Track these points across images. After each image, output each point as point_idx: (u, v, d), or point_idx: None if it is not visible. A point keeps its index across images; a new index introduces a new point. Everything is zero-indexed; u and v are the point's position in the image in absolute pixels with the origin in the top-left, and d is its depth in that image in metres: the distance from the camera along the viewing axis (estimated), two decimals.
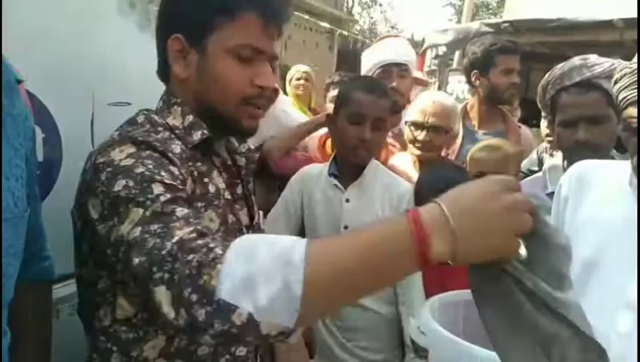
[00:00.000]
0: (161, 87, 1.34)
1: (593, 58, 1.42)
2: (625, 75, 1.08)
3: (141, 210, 0.71)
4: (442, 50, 4.39)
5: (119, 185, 0.74)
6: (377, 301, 1.55)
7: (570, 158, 1.49)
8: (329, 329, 1.58)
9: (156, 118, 0.94)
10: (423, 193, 1.61)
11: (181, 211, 0.72)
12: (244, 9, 0.88)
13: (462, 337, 0.84)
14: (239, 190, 1.02)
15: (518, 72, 2.22)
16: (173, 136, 0.91)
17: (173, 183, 0.77)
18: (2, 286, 0.71)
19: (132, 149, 0.79)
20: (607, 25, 3.56)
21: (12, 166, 0.79)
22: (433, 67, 5.18)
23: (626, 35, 3.44)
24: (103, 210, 0.75)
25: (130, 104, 1.26)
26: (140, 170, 0.76)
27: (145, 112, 0.95)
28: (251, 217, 1.04)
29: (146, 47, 1.29)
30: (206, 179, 0.92)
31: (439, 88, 4.86)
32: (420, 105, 1.88)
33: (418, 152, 1.88)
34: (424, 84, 2.60)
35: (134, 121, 0.92)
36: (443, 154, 2.02)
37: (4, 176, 0.76)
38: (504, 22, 4.11)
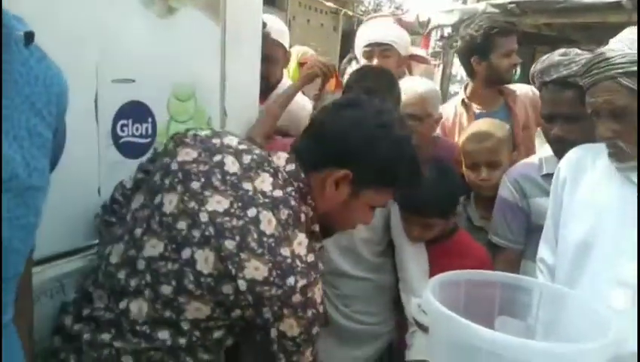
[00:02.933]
0: (165, 65, 1.34)
1: (572, 54, 1.42)
2: (584, 65, 1.15)
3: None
4: (447, 31, 4.34)
5: (315, 330, 0.99)
6: (369, 270, 1.64)
7: (554, 150, 1.51)
8: (328, 298, 1.66)
9: (308, 219, 1.08)
10: (403, 193, 1.56)
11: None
12: (394, 183, 1.12)
13: (462, 316, 0.85)
14: None
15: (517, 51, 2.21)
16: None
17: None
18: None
19: (321, 291, 1.00)
20: (616, 6, 3.50)
21: (33, 134, 0.74)
22: (438, 49, 5.12)
23: (635, 16, 3.39)
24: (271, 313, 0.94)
25: (134, 81, 1.26)
26: (322, 322, 1.02)
27: (303, 208, 1.07)
28: None
29: (151, 23, 1.29)
30: None
31: (443, 70, 4.81)
32: None
33: None
34: (423, 61, 2.57)
35: (299, 218, 1.03)
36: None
37: (18, 145, 0.71)
38: (510, 2, 4.04)
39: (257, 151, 1.10)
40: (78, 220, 1.18)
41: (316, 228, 1.10)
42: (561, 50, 1.46)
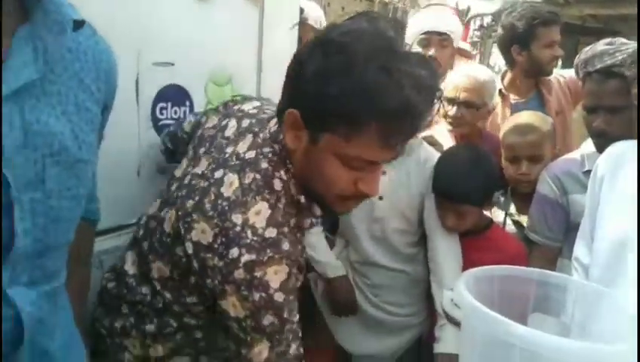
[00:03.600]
0: (204, 49, 1.35)
1: (618, 43, 1.37)
2: (630, 54, 1.06)
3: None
4: (487, 20, 4.24)
5: (267, 319, 0.84)
6: (401, 261, 1.63)
7: (595, 144, 1.47)
8: (358, 286, 1.67)
9: (289, 187, 0.92)
10: (437, 179, 1.55)
11: None
12: (365, 126, 0.81)
13: (496, 312, 0.84)
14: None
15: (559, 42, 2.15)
16: (294, 227, 0.91)
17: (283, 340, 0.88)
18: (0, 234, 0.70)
19: (283, 277, 0.84)
20: None
21: (82, 109, 0.76)
22: (476, 38, 5.00)
23: None
24: (237, 308, 0.85)
25: (173, 64, 1.28)
26: (286, 314, 0.86)
27: (280, 173, 0.91)
28: None
29: (192, 7, 1.30)
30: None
31: (480, 60, 4.71)
32: (453, 80, 1.84)
33: (450, 127, 1.88)
34: (468, 56, 2.52)
35: (268, 184, 0.89)
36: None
37: (67, 119, 0.74)
38: None
39: (264, 115, 1.02)
40: (117, 199, 1.21)
41: (301, 198, 0.93)
42: (606, 40, 1.41)
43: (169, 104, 1.29)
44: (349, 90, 0.79)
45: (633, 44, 1.36)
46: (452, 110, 1.82)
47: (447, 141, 1.89)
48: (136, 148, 1.24)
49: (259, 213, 0.85)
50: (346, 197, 0.91)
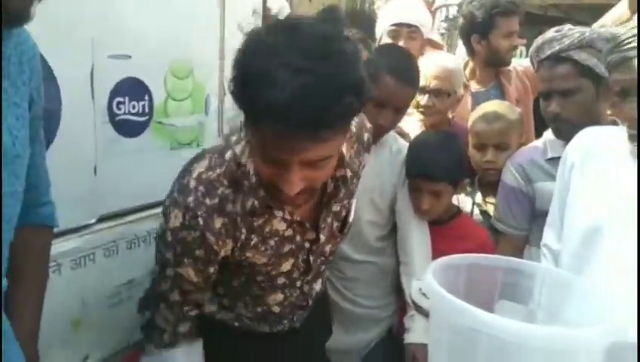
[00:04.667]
0: (162, 41, 1.31)
1: (566, 29, 1.43)
2: (609, 39, 1.09)
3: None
4: (453, 11, 4.26)
5: (161, 250, 1.01)
6: (370, 253, 1.63)
7: (552, 129, 1.52)
8: (331, 282, 1.66)
9: (241, 159, 0.99)
10: (411, 161, 1.58)
11: (168, 302, 1.05)
12: (260, 120, 0.82)
13: (463, 300, 0.84)
14: (308, 224, 1.09)
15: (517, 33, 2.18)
16: (235, 195, 0.99)
17: (185, 277, 1.01)
18: (1, 229, 0.70)
19: (177, 223, 0.96)
20: None
21: (10, 104, 0.76)
22: (442, 30, 5.03)
23: None
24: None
25: (130, 57, 1.23)
26: (169, 255, 0.99)
27: (236, 147, 1.00)
28: (317, 237, 1.11)
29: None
30: (260, 234, 1.04)
31: (448, 52, 4.73)
32: (422, 69, 1.85)
33: (422, 117, 1.89)
34: (438, 47, 2.53)
35: (221, 153, 1.00)
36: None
37: (2, 116, 0.73)
38: None
39: None
40: (74, 199, 1.16)
41: (252, 179, 0.98)
42: (555, 28, 1.46)
43: (127, 98, 1.25)
44: (246, 91, 0.83)
45: (580, 29, 1.42)
46: (423, 99, 1.83)
47: (416, 132, 1.90)
48: (93, 145, 1.19)
49: (196, 168, 1.00)
50: (276, 190, 0.93)
